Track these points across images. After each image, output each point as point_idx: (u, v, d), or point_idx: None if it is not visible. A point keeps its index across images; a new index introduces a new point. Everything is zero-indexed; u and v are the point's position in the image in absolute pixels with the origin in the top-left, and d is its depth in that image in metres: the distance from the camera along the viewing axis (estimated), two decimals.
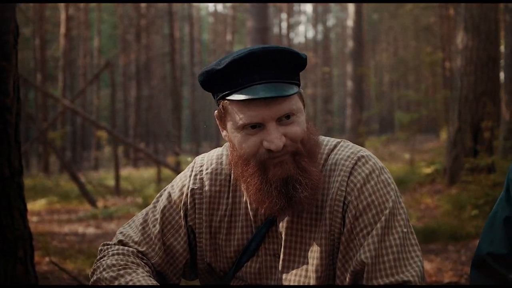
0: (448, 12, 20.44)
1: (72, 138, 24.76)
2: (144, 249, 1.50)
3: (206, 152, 1.65)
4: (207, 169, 1.55)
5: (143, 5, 23.12)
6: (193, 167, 1.58)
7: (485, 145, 7.24)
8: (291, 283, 1.44)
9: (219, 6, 40.24)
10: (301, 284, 1.43)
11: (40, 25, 18.91)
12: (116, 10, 27.31)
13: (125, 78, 27.18)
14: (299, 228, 1.44)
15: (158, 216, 1.53)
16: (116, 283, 1.37)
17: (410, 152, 13.41)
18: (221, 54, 36.67)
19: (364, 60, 20.63)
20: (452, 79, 9.80)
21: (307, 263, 1.42)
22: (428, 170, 8.71)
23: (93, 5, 25.78)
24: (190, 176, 1.56)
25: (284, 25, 34.99)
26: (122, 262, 1.42)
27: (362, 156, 1.43)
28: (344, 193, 1.39)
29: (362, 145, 12.32)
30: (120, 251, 1.47)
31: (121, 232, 1.55)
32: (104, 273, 1.39)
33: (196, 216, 1.52)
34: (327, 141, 1.50)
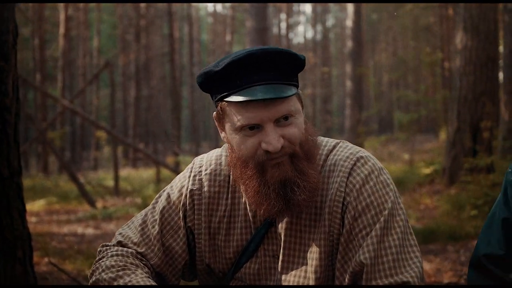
0: (447, 12, 20.45)
1: (71, 138, 24.76)
2: (143, 250, 1.50)
3: (206, 152, 1.65)
4: (206, 170, 1.55)
5: (142, 5, 23.11)
6: (192, 168, 1.58)
7: (484, 145, 7.25)
8: (290, 284, 1.44)
9: (218, 6, 40.31)
10: (300, 285, 1.43)
11: (39, 25, 18.89)
12: (116, 10, 27.31)
13: (125, 78, 27.17)
14: (298, 229, 1.44)
15: (157, 217, 1.53)
16: (115, 284, 1.37)
17: (409, 152, 13.42)
18: (220, 54, 36.70)
19: (363, 60, 20.64)
20: (451, 79, 9.81)
21: (306, 264, 1.42)
22: (427, 171, 8.71)
23: (92, 5, 25.77)
24: (189, 177, 1.56)
25: (283, 25, 35.01)
26: (121, 263, 1.42)
27: (361, 157, 1.43)
28: (343, 194, 1.39)
29: (361, 145, 12.34)
30: (119, 252, 1.47)
31: (120, 233, 1.55)
32: (103, 274, 1.39)
33: (195, 217, 1.52)
34: (326, 142, 1.50)
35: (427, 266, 4.23)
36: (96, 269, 1.43)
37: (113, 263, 1.42)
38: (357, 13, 15.12)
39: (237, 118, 1.34)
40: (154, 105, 28.84)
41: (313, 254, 1.41)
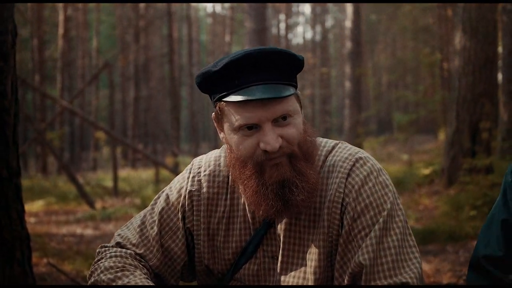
0: (446, 13, 20.46)
1: (70, 139, 24.73)
2: (142, 251, 1.49)
3: (205, 153, 1.65)
4: (205, 171, 1.55)
5: (141, 5, 23.11)
6: (191, 169, 1.58)
7: (483, 146, 7.25)
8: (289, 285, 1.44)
9: (218, 7, 40.31)
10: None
11: (38, 25, 18.88)
12: (115, 10, 27.31)
13: (124, 78, 27.15)
14: (297, 230, 1.44)
15: (156, 218, 1.53)
16: (114, 285, 1.36)
17: (408, 153, 13.44)
18: (219, 54, 36.70)
19: (363, 61, 20.64)
20: (450, 79, 9.82)
21: (305, 265, 1.42)
22: (426, 171, 8.72)
23: (91, 5, 25.78)
24: (188, 178, 1.56)
25: (282, 26, 35.03)
26: (120, 264, 1.42)
27: (360, 158, 1.43)
28: (342, 195, 1.39)
29: (360, 145, 12.34)
30: (118, 253, 1.47)
31: (119, 234, 1.55)
32: (101, 275, 1.39)
33: (194, 218, 1.52)
34: (325, 143, 1.50)
35: (426, 266, 4.23)
36: (95, 270, 1.43)
37: (111, 264, 1.42)
38: (356, 14, 15.13)
39: (235, 118, 1.34)
40: (153, 106, 28.82)
41: (312, 255, 1.41)
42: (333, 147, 1.48)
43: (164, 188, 1.60)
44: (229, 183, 1.52)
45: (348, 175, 1.40)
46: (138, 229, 1.53)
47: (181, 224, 1.52)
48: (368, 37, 34.12)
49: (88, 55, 27.80)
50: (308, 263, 1.41)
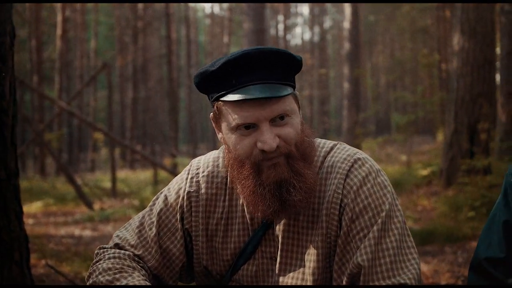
0: (444, 14, 20.50)
1: (68, 140, 24.73)
2: (140, 252, 1.49)
3: (203, 154, 1.65)
4: (203, 172, 1.55)
5: (140, 6, 23.10)
6: (189, 170, 1.58)
7: (482, 147, 7.26)
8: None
9: (216, 8, 40.27)
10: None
11: (36, 26, 18.87)
12: (113, 11, 27.30)
13: (122, 79, 27.15)
14: (295, 231, 1.44)
15: (154, 219, 1.53)
16: (113, 286, 1.36)
17: (406, 153, 13.44)
18: (217, 55, 36.68)
19: (361, 62, 20.66)
20: (449, 80, 9.83)
21: (304, 266, 1.42)
22: (424, 172, 8.73)
23: (90, 6, 25.77)
24: (187, 179, 1.56)
25: (280, 27, 35.05)
26: (118, 266, 1.42)
27: (359, 159, 1.43)
28: (340, 196, 1.39)
29: (358, 146, 12.35)
30: (116, 255, 1.47)
31: (117, 236, 1.55)
32: (100, 276, 1.39)
33: (193, 219, 1.52)
34: (324, 144, 1.50)
35: (424, 267, 4.23)
36: (93, 271, 1.42)
37: (110, 265, 1.42)
38: (355, 15, 15.13)
39: (232, 118, 1.34)
40: (152, 107, 28.82)
41: (311, 256, 1.41)
42: (332, 148, 1.48)
43: (163, 189, 1.60)
44: (228, 184, 1.51)
45: (347, 176, 1.40)
46: (136, 231, 1.53)
47: (179, 225, 1.52)
48: (366, 38, 34.17)
49: (86, 56, 27.79)
50: (307, 264, 1.41)
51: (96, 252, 1.51)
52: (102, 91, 28.88)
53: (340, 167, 1.42)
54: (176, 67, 26.62)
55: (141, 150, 18.60)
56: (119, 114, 28.99)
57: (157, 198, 1.58)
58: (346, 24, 15.40)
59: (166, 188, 1.59)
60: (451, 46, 8.48)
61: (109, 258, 1.45)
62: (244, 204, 1.47)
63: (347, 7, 15.29)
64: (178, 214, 1.52)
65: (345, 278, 1.36)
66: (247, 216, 1.47)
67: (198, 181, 1.54)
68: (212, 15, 41.03)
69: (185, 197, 1.53)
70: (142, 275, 1.41)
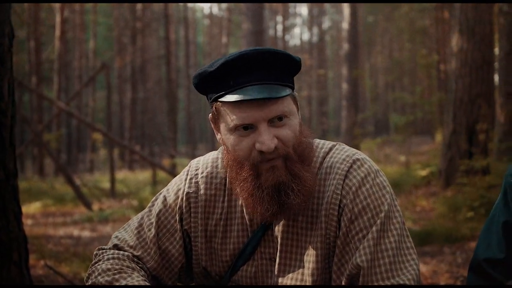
0: (443, 15, 20.52)
1: (67, 141, 24.72)
2: (139, 253, 1.49)
3: (202, 154, 1.65)
4: (202, 173, 1.55)
5: (138, 7, 23.11)
6: (188, 170, 1.58)
7: (480, 147, 7.27)
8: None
9: (215, 9, 40.28)
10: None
11: (35, 27, 18.86)
12: (112, 12, 27.29)
13: (121, 80, 27.14)
14: (295, 231, 1.44)
15: (153, 220, 1.53)
16: (112, 286, 1.36)
17: (405, 154, 13.45)
18: (216, 56, 36.70)
19: (360, 62, 20.68)
20: (447, 81, 9.84)
21: (303, 267, 1.42)
22: (423, 173, 8.73)
23: (88, 7, 25.75)
24: (186, 179, 1.56)
25: (279, 27, 35.09)
26: (117, 267, 1.42)
27: (357, 159, 1.43)
28: (339, 197, 1.39)
29: (357, 147, 12.35)
30: (115, 256, 1.46)
31: (116, 236, 1.54)
32: (99, 277, 1.39)
33: (192, 220, 1.52)
34: (322, 144, 1.50)
35: (423, 268, 4.23)
36: (92, 272, 1.42)
37: (109, 266, 1.42)
38: (353, 15, 15.15)
39: (231, 118, 1.34)
40: (150, 108, 28.81)
41: (310, 257, 1.41)
42: (331, 149, 1.48)
43: (162, 190, 1.60)
44: (227, 185, 1.51)
45: (346, 176, 1.40)
46: (135, 231, 1.53)
47: (178, 226, 1.52)
48: (365, 38, 34.18)
49: (85, 57, 27.78)
50: (306, 265, 1.41)
51: (95, 253, 1.51)
52: (101, 92, 28.89)
53: (339, 167, 1.42)
54: (175, 68, 26.61)
55: (140, 151, 18.60)
56: (118, 115, 28.99)
57: (156, 199, 1.58)
58: (345, 25, 15.42)
59: (165, 189, 1.59)
60: (450, 47, 8.49)
61: (108, 259, 1.45)
62: (243, 205, 1.47)
63: (346, 8, 15.30)
64: (177, 215, 1.52)
65: (344, 279, 1.36)
66: (246, 217, 1.47)
67: (197, 182, 1.54)
68: (210, 16, 41.04)
69: (184, 198, 1.53)
70: (142, 276, 1.41)
